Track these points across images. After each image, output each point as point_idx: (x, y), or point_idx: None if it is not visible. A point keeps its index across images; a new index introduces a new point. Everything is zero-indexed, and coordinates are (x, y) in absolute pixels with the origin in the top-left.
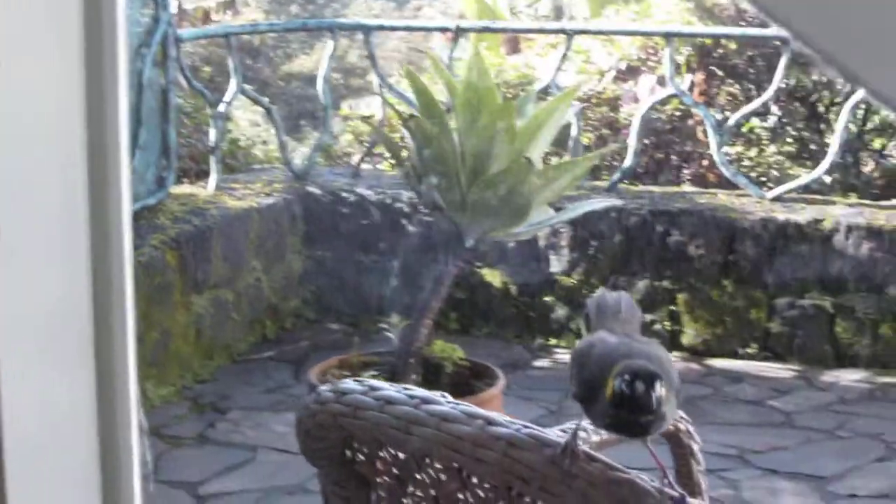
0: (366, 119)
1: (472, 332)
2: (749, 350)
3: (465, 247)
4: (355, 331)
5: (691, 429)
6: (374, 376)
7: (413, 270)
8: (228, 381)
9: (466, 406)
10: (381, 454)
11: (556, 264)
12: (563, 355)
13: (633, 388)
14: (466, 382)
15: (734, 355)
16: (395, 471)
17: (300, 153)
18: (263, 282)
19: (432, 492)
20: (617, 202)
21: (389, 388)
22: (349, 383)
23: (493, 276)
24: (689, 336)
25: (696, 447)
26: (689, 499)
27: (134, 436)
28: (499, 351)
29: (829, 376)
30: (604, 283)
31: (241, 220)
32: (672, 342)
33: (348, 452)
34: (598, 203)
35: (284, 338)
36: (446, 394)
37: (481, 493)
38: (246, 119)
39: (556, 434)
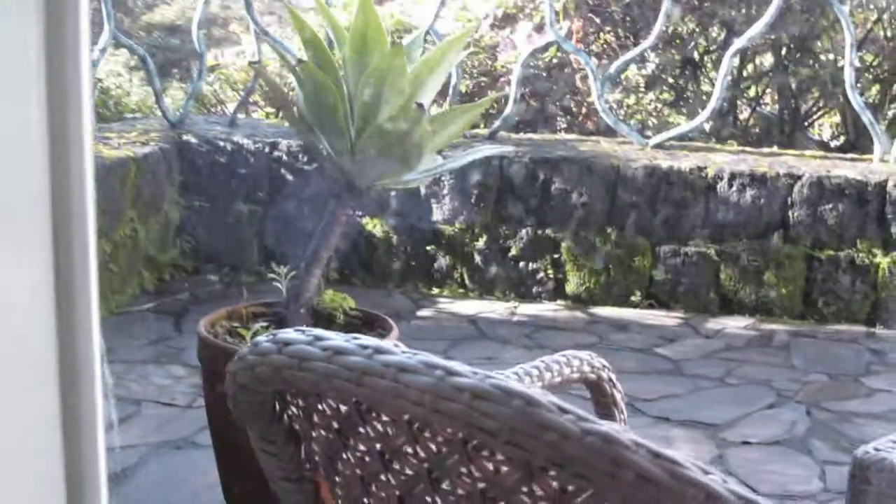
0: (253, 64)
1: (353, 282)
2: (633, 298)
3: (353, 195)
4: (235, 281)
5: (614, 377)
6: (264, 327)
7: (295, 219)
8: (108, 334)
9: (424, 356)
10: (319, 407)
11: (438, 213)
12: (446, 304)
13: None
14: (358, 332)
15: (619, 303)
16: (335, 424)
17: (169, 103)
18: (140, 232)
19: (377, 445)
20: (508, 149)
21: (337, 338)
22: (290, 333)
23: (374, 226)
24: (572, 285)
25: (619, 396)
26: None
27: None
28: (381, 300)
29: (715, 323)
30: (486, 232)
31: (116, 169)
32: (556, 291)
33: (278, 406)
34: (489, 150)
35: (163, 289)
36: (399, 343)
37: (433, 447)
38: (107, 70)
39: (517, 385)
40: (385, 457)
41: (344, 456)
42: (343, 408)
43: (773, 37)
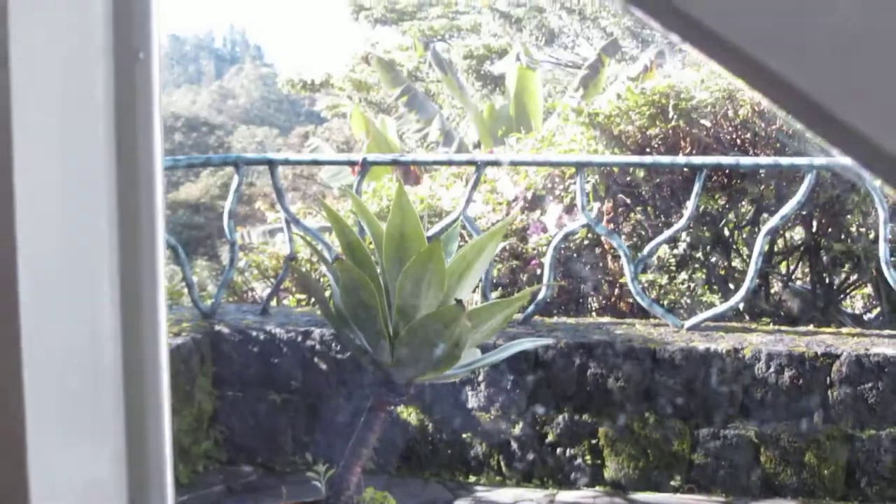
0: (289, 261)
1: (388, 471)
2: (673, 483)
3: (392, 391)
4: (272, 473)
5: None
6: None
7: (328, 409)
8: None
9: None
10: None
11: (473, 400)
12: (484, 493)
13: None
14: None
15: (659, 488)
16: None
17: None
18: (173, 424)
19: None
20: (547, 342)
21: None
22: None
23: (409, 414)
24: (611, 470)
25: None
26: None
27: None
28: (417, 490)
29: None
30: (522, 419)
31: None
32: (594, 476)
33: None
34: (529, 343)
35: (197, 481)
36: None
37: None
38: None
39: None
40: None
41: None
42: None
43: (804, 212)
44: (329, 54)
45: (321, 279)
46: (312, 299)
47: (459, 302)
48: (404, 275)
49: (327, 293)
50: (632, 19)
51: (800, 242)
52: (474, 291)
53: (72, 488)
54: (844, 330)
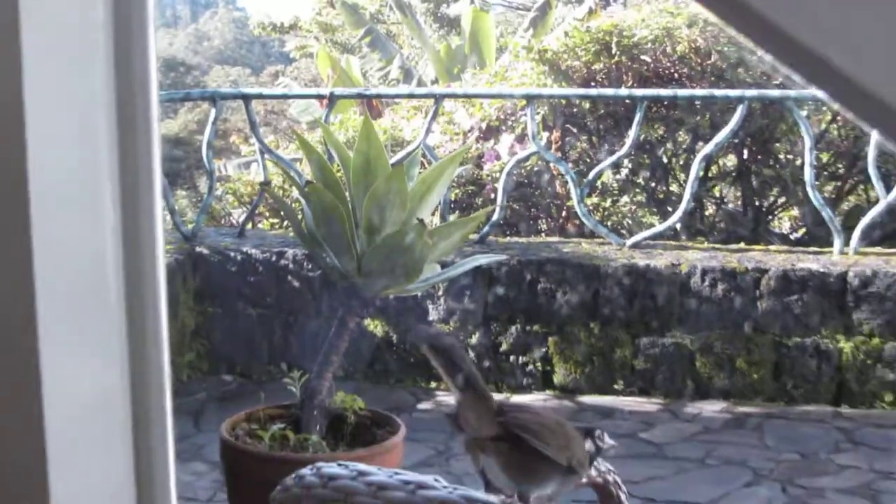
0: (263, 186)
1: (356, 378)
2: (616, 386)
3: (360, 304)
4: (250, 380)
5: (619, 479)
6: (281, 429)
7: (301, 322)
8: None
9: (464, 490)
10: None
11: (434, 313)
12: (444, 397)
13: None
14: (368, 431)
15: (603, 391)
16: None
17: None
18: None
19: None
20: (501, 258)
21: (379, 473)
22: (334, 467)
23: (375, 326)
24: (559, 375)
25: (623, 496)
26: None
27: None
28: (383, 395)
29: (692, 408)
30: (478, 330)
31: None
32: (544, 382)
33: None
34: (484, 258)
35: (181, 390)
36: (439, 478)
37: None
38: None
39: None
40: None
41: None
42: None
43: (736, 140)
44: None
45: (294, 204)
46: (286, 222)
47: (421, 221)
48: (370, 197)
49: (299, 217)
50: None
51: (732, 168)
52: (434, 213)
53: (80, 396)
54: (773, 247)
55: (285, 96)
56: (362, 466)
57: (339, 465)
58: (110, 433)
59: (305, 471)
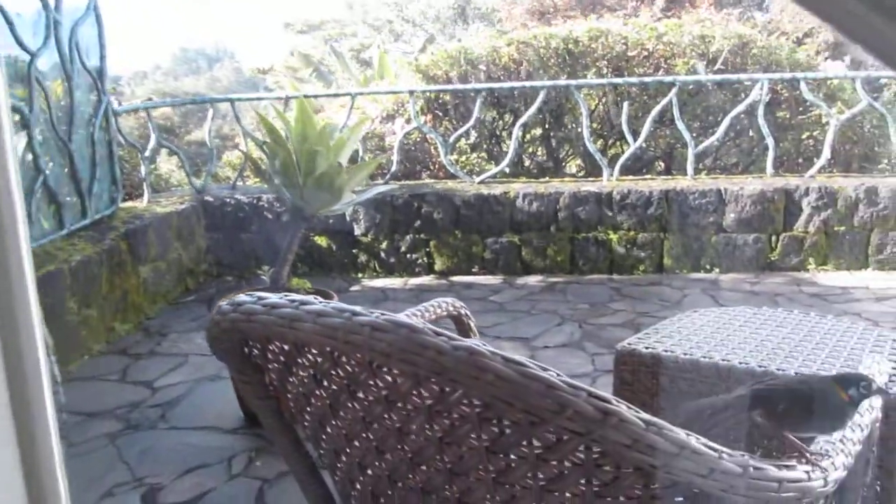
0: (242, 152)
1: (312, 274)
2: (473, 270)
3: (304, 219)
4: (242, 278)
5: (469, 312)
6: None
7: (273, 240)
8: (167, 317)
9: (336, 303)
10: (270, 347)
11: (357, 229)
12: (367, 282)
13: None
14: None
15: (465, 273)
16: (281, 358)
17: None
18: (183, 255)
19: (311, 371)
20: (392, 187)
21: (273, 297)
22: (242, 296)
23: (321, 240)
24: (438, 265)
25: (472, 324)
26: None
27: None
28: (327, 283)
29: (521, 280)
30: (386, 238)
31: (165, 219)
32: (429, 269)
33: (246, 349)
34: (382, 188)
35: (199, 287)
36: (318, 296)
37: (349, 368)
38: (165, 168)
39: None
40: (317, 378)
41: (291, 379)
42: (285, 346)
43: (540, 116)
44: (272, 52)
45: (264, 166)
46: (260, 178)
47: (339, 164)
48: (306, 150)
49: (266, 171)
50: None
51: (539, 133)
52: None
53: None
54: (566, 179)
55: (259, 98)
56: (261, 293)
57: (247, 294)
58: None
59: (223, 302)
